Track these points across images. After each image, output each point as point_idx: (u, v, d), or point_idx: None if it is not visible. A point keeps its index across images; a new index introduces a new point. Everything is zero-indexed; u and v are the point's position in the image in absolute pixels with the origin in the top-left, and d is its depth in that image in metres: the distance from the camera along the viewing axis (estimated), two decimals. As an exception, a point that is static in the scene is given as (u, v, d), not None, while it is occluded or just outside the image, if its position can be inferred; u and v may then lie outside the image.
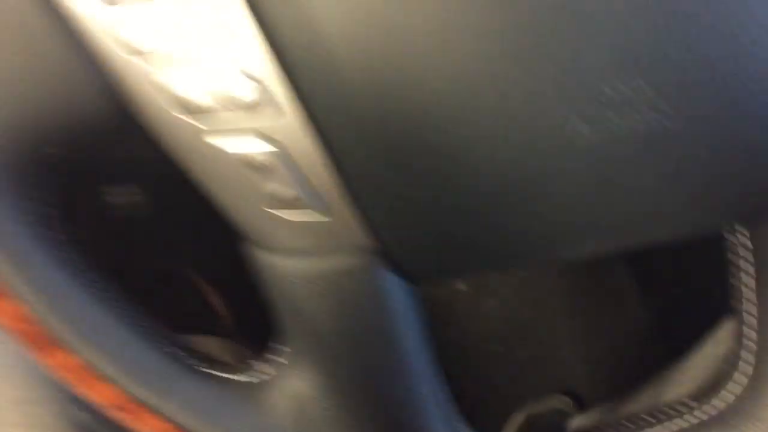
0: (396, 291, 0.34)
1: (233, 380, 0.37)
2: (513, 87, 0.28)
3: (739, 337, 0.40)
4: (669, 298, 0.80)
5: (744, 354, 0.40)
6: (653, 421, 0.44)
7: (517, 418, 0.87)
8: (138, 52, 0.28)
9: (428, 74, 0.27)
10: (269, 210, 0.31)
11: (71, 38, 0.29)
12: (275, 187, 0.30)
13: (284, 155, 0.29)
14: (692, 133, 0.29)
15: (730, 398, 0.41)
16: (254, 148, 0.29)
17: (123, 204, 0.47)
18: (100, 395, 0.34)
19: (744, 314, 0.39)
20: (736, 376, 0.41)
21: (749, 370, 0.40)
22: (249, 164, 0.30)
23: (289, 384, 0.37)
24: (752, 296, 0.39)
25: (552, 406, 0.87)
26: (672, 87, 0.28)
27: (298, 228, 0.32)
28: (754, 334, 0.39)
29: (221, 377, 0.36)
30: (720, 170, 0.30)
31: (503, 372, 0.87)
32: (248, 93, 0.28)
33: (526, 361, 0.87)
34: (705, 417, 0.42)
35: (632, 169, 0.30)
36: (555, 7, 0.26)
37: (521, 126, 0.28)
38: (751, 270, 0.37)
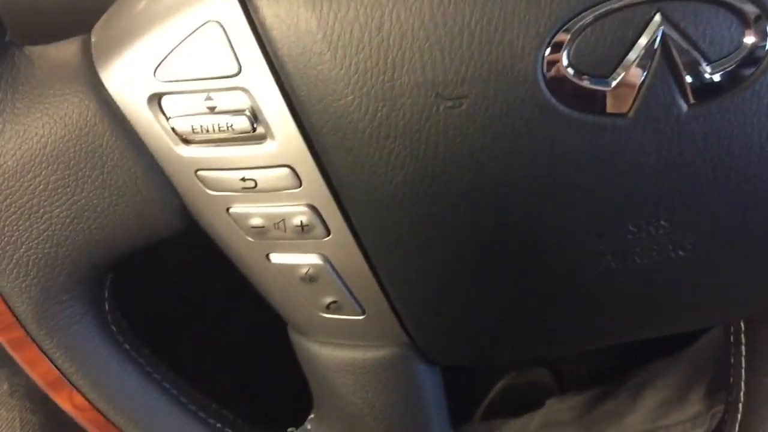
0: (423, 374, 0.37)
1: None
2: (552, 224, 0.30)
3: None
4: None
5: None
6: None
7: (497, 387, 0.91)
8: (218, 189, 0.30)
9: (477, 211, 0.30)
10: (311, 309, 0.34)
11: (153, 169, 0.31)
12: (317, 292, 0.33)
13: (328, 266, 0.32)
14: (704, 259, 0.32)
15: None
16: (302, 260, 0.32)
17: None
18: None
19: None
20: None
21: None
22: (296, 273, 0.32)
23: None
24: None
25: (531, 377, 0.90)
26: (690, 226, 0.30)
27: (336, 324, 0.35)
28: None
29: None
30: (727, 283, 0.33)
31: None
32: (305, 219, 0.30)
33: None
34: None
35: (645, 288, 0.33)
36: (595, 165, 0.28)
37: (555, 257, 0.31)
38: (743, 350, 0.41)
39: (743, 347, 0.41)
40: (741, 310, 0.36)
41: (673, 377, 0.64)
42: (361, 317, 0.34)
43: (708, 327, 0.38)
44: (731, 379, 0.42)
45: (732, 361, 0.41)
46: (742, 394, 0.41)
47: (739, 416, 0.42)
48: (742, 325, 0.40)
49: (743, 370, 0.41)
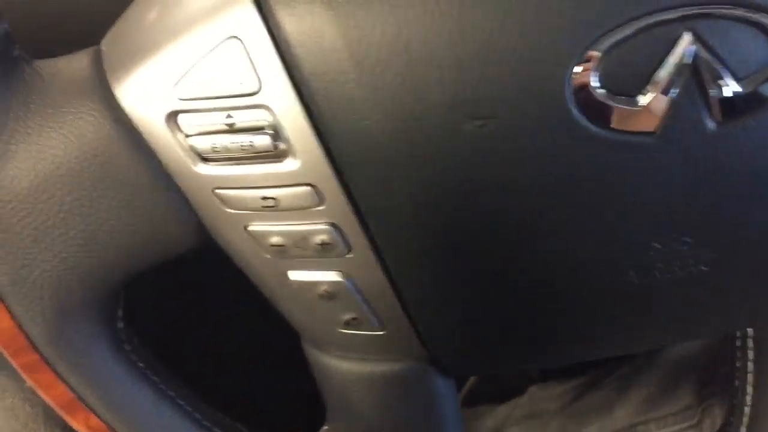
0: (440, 387, 0.37)
1: None
2: (577, 241, 0.30)
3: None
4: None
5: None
6: None
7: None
8: (237, 208, 0.29)
9: (501, 228, 0.29)
10: (329, 325, 0.34)
11: (169, 187, 0.30)
12: (336, 309, 0.33)
13: (349, 284, 0.32)
14: (723, 273, 0.32)
15: None
16: (321, 278, 0.32)
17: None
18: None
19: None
20: None
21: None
22: (315, 290, 0.32)
23: None
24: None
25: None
26: (713, 242, 0.30)
27: (353, 339, 0.34)
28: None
29: None
30: (745, 295, 0.34)
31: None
32: (327, 237, 0.30)
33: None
34: None
35: (665, 300, 0.33)
36: (622, 184, 0.28)
37: (579, 273, 0.31)
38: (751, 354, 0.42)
39: (750, 351, 0.41)
40: (757, 318, 0.37)
41: (660, 369, 0.64)
42: (380, 333, 0.34)
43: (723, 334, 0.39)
44: (736, 382, 0.43)
45: (738, 364, 0.42)
46: (748, 397, 0.42)
47: (746, 419, 0.42)
48: (749, 330, 0.41)
49: (749, 375, 0.42)
